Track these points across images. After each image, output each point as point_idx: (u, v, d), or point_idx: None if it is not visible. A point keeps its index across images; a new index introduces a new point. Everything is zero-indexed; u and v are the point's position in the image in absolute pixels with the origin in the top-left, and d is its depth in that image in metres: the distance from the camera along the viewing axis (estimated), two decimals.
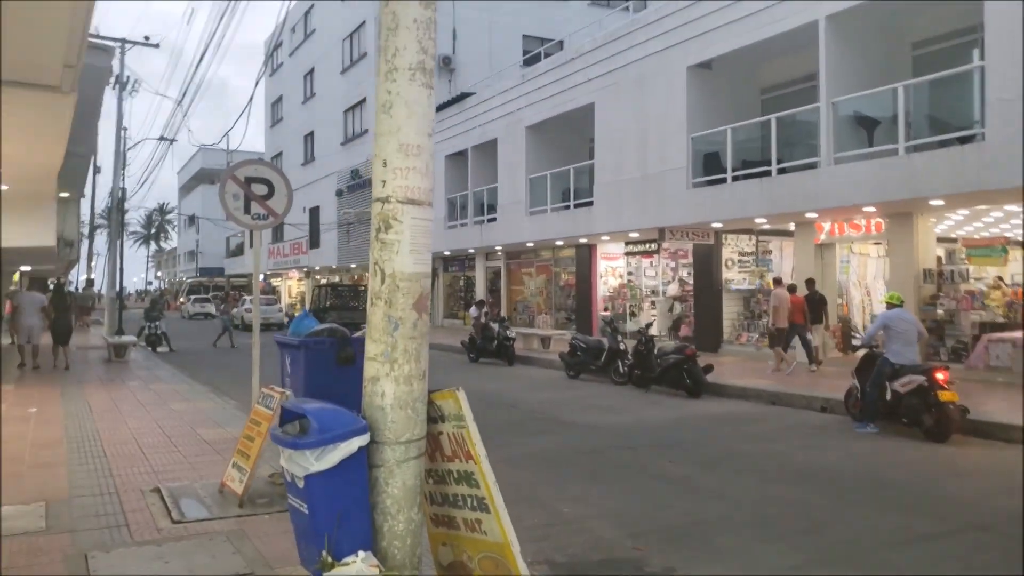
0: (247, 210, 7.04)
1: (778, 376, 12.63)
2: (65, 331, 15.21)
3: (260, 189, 7.07)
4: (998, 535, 5.17)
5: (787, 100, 15.19)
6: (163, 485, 5.92)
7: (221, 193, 6.93)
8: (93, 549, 4.46)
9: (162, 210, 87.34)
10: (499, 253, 24.69)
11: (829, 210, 13.01)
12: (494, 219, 22.96)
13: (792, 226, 15.28)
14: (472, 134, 24.09)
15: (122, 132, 25.69)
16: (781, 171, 13.57)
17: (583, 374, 13.96)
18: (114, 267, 24.48)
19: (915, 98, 11.91)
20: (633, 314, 19.42)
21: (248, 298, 34.51)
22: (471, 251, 25.51)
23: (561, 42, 27.68)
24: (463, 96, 25.01)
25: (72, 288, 39.00)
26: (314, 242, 36.27)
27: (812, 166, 13.07)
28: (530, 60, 25.99)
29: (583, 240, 19.98)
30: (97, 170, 30.79)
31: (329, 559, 3.23)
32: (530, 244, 22.09)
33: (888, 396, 8.57)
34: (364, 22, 30.62)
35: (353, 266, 35.01)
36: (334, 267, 36.04)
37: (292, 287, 46.82)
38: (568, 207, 19.56)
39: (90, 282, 38.18)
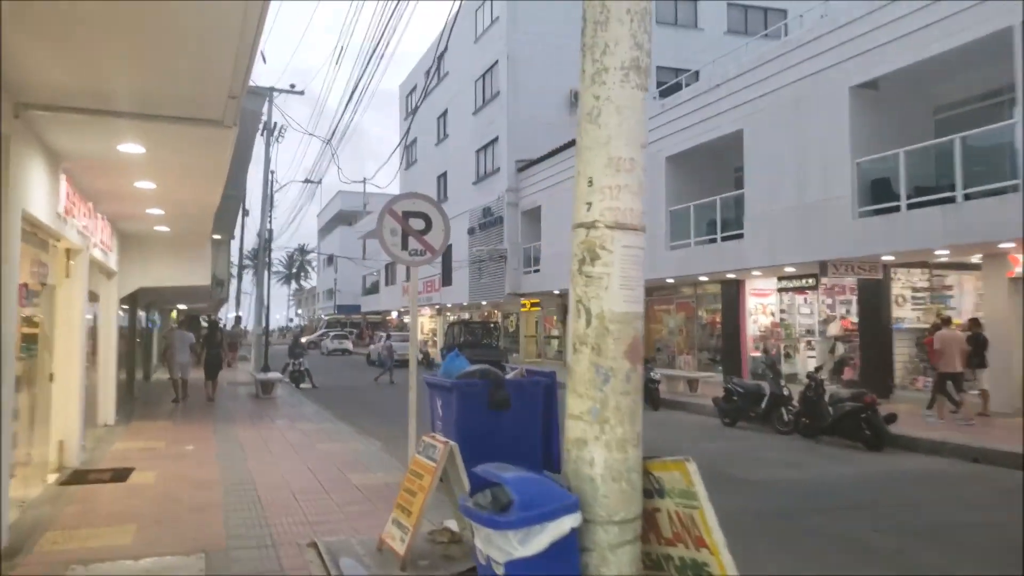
0: (404, 246, 6.71)
1: (974, 430, 11.08)
2: (216, 366, 16.25)
3: (417, 224, 6.74)
4: None
5: (965, 120, 13.61)
6: (320, 540, 5.54)
7: (379, 228, 6.64)
8: None
9: (302, 250, 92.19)
10: None
11: None
12: None
13: (977, 258, 13.61)
14: None
15: (270, 175, 26.96)
16: (967, 197, 12.08)
17: (740, 421, 12.84)
18: (261, 305, 25.52)
19: None
20: (788, 355, 17.97)
21: (383, 335, 35.24)
22: None
23: (696, 72, 26.80)
24: None
25: (222, 326, 41.33)
26: (446, 279, 36.72)
27: (1005, 190, 11.53)
28: (666, 91, 25.24)
29: (731, 275, 18.78)
30: (246, 213, 32.57)
31: None
32: (670, 280, 21.07)
33: None
34: (496, 62, 30.98)
35: (484, 303, 35.10)
36: (465, 304, 36.29)
37: (424, 324, 47.67)
38: (714, 240, 18.48)
39: (238, 319, 40.31)
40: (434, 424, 8.12)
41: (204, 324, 28.58)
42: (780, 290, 17.98)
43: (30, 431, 7.24)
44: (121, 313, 13.05)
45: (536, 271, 28.73)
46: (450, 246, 36.34)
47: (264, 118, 25.51)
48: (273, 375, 18.11)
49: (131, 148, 6.25)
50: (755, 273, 18.14)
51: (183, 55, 4.40)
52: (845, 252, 14.31)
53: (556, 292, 27.71)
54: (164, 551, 5.25)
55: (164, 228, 11.07)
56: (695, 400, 15.65)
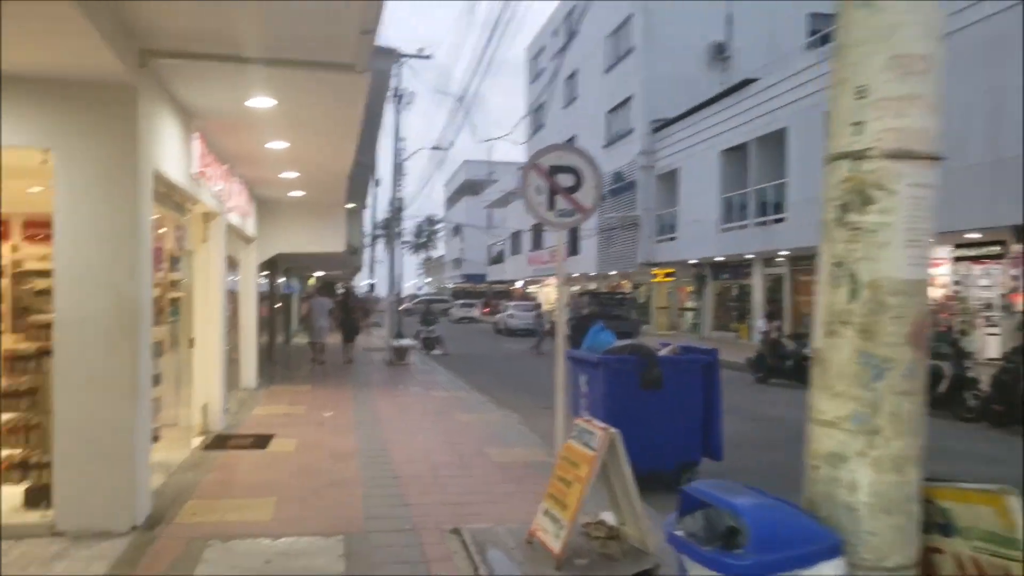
0: (551, 205, 6.01)
1: None
2: (353, 330, 17.30)
3: (566, 180, 6.02)
4: None
5: None
6: (465, 527, 5.03)
7: (524, 187, 5.98)
8: None
9: (431, 220, 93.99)
10: (782, 259, 22.11)
11: None
12: (781, 219, 20.53)
13: None
14: (754, 125, 21.80)
15: (399, 143, 26.98)
16: None
17: None
18: (392, 272, 25.75)
19: None
20: (964, 332, 16.01)
21: (511, 304, 35.04)
22: (748, 256, 23.21)
23: None
24: (744, 83, 22.75)
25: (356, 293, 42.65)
26: (573, 249, 35.92)
27: None
28: (818, 42, 23.09)
29: None
30: (376, 182, 32.98)
31: None
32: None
33: None
34: (631, 15, 29.51)
35: (613, 273, 34.07)
36: (592, 274, 35.40)
37: (549, 294, 47.22)
38: None
39: (371, 287, 41.37)
40: (577, 402, 7.43)
41: (338, 292, 29.33)
42: (957, 259, 15.99)
43: (176, 394, 7.20)
44: (261, 279, 13.23)
45: (672, 239, 27.41)
46: None
47: (394, 84, 25.46)
48: (406, 342, 18.13)
49: (262, 102, 5.88)
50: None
51: None
52: None
53: (692, 262, 26.33)
54: (303, 531, 4.94)
55: (299, 192, 10.96)
56: None
